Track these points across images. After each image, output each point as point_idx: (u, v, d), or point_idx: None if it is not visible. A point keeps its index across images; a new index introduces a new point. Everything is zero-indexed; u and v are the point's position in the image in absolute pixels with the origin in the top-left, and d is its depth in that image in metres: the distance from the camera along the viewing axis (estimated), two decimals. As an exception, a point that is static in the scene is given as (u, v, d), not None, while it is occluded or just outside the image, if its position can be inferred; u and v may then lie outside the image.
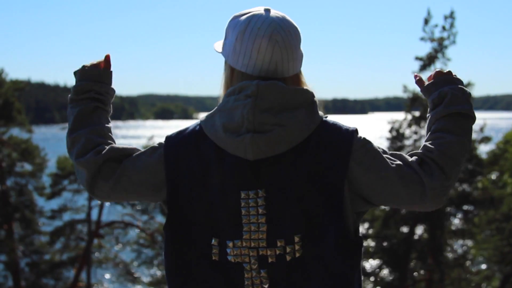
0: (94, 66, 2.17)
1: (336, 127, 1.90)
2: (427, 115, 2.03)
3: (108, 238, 24.50)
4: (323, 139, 1.85)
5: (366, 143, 1.88)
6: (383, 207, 22.19)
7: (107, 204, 24.03)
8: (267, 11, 1.95)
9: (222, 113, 1.88)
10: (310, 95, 1.90)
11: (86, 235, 23.53)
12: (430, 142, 1.93)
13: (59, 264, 23.17)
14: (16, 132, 24.03)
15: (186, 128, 1.99)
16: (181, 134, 1.98)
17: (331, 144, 1.85)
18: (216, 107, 1.93)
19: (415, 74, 2.14)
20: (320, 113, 1.92)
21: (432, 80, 2.06)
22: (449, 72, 2.06)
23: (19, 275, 22.18)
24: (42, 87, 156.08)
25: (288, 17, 1.96)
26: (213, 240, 1.92)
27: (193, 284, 1.96)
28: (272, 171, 1.83)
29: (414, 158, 1.89)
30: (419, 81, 2.12)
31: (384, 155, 1.88)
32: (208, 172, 1.89)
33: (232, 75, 1.99)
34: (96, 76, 2.14)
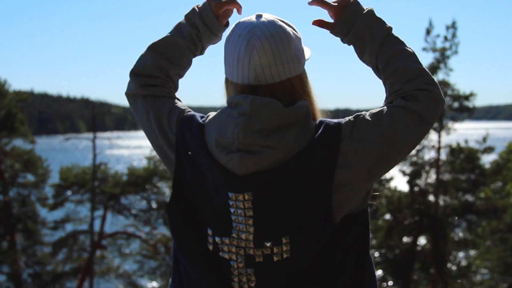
0: (218, 9, 2.11)
1: (323, 128, 1.85)
2: (361, 58, 2.04)
3: (110, 249, 24.49)
4: (313, 145, 1.82)
5: (354, 121, 1.85)
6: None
7: (109, 215, 24.07)
8: (258, 17, 1.91)
9: (217, 125, 1.87)
10: (304, 109, 1.85)
11: (88, 246, 23.52)
12: (391, 82, 1.93)
13: (61, 275, 23.15)
14: (19, 143, 24.11)
15: (197, 119, 1.98)
16: (192, 122, 1.97)
17: (320, 146, 1.81)
18: (216, 112, 1.93)
19: (314, 20, 2.08)
20: (312, 122, 1.87)
21: (337, 21, 2.04)
22: (345, 1, 2.03)
23: (21, 286, 22.17)
24: (45, 98, 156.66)
25: (278, 21, 1.90)
26: (209, 230, 1.93)
27: (191, 266, 1.97)
28: (260, 178, 1.81)
29: (395, 101, 1.89)
30: (325, 25, 2.08)
31: (372, 116, 1.85)
32: (203, 168, 1.89)
33: (227, 84, 2.01)
34: (209, 22, 2.12)
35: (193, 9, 2.14)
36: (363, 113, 1.88)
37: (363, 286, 1.95)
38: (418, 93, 1.86)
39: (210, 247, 1.93)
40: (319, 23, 2.09)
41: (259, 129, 1.79)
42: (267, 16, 1.92)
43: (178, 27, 2.16)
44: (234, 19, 2.00)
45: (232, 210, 1.85)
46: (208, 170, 1.87)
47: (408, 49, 1.96)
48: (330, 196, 1.81)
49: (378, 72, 2.01)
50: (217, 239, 1.90)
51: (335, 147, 1.80)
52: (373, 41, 1.97)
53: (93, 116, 25.47)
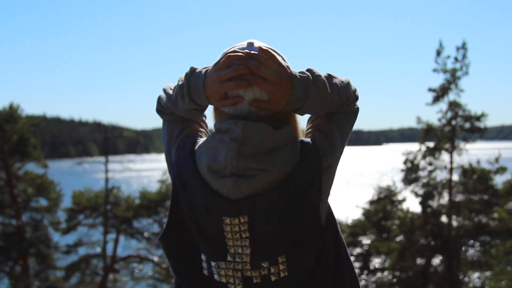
0: (210, 90, 1.89)
1: (305, 149, 1.89)
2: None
3: (123, 272, 24.48)
4: (301, 166, 1.85)
5: (324, 134, 1.95)
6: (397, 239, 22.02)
7: (122, 238, 24.08)
8: (249, 45, 1.90)
9: (207, 150, 1.88)
10: (292, 132, 1.89)
11: (101, 269, 23.53)
12: (339, 106, 2.00)
13: (74, 299, 23.13)
14: (31, 167, 24.21)
15: (189, 144, 1.99)
16: (185, 147, 2.00)
17: (307, 166, 1.86)
18: (206, 138, 1.95)
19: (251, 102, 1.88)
20: (298, 144, 1.90)
21: (299, 107, 1.89)
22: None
23: (34, 310, 22.16)
24: (57, 122, 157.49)
25: (270, 50, 1.87)
26: (202, 255, 1.96)
27: None
28: (254, 201, 1.83)
29: (342, 109, 2.03)
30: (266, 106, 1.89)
31: (333, 126, 1.99)
32: (194, 193, 1.91)
33: (216, 111, 2.04)
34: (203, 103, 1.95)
35: (186, 89, 1.94)
36: (321, 126, 1.99)
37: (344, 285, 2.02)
38: (355, 100, 2.05)
39: (205, 272, 1.96)
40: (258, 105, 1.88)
41: (252, 153, 1.81)
42: (260, 45, 1.89)
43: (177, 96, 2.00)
44: (226, 41, 1.96)
45: (227, 234, 1.87)
46: (200, 196, 1.88)
47: (335, 79, 1.97)
48: (319, 202, 1.87)
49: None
50: (213, 264, 1.92)
51: (319, 162, 1.87)
52: (331, 99, 1.94)
53: (105, 140, 25.61)
